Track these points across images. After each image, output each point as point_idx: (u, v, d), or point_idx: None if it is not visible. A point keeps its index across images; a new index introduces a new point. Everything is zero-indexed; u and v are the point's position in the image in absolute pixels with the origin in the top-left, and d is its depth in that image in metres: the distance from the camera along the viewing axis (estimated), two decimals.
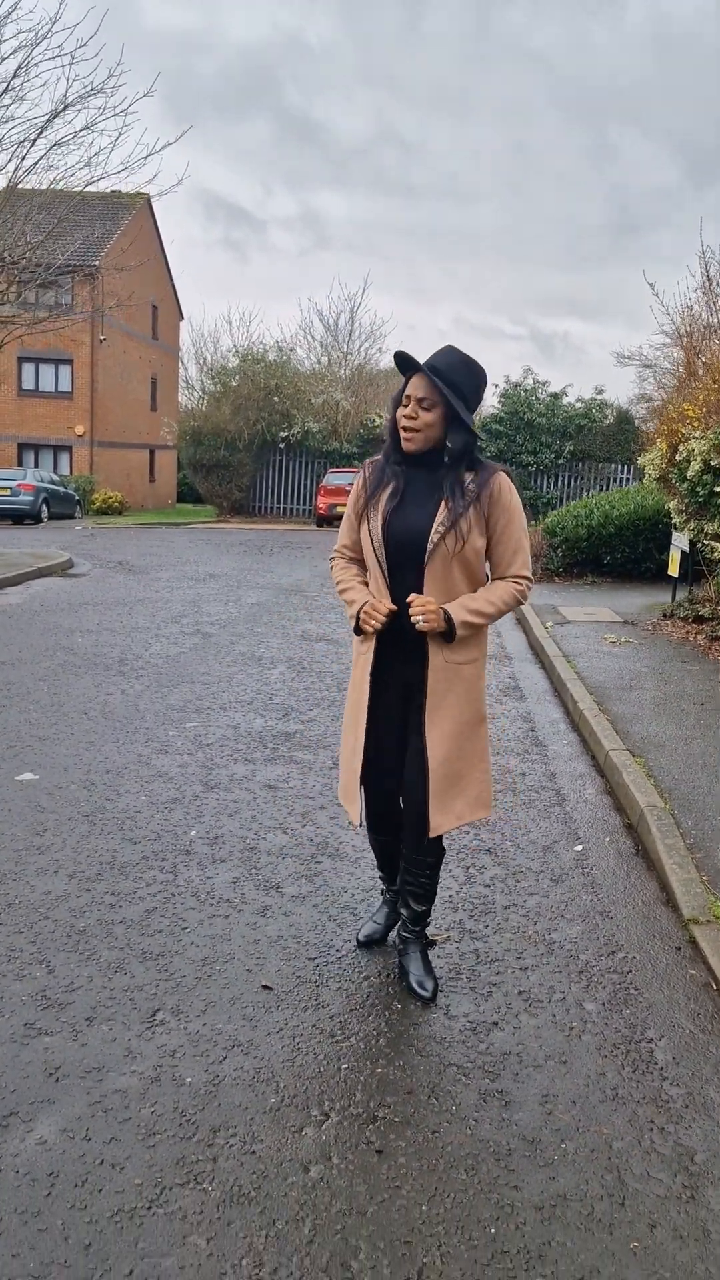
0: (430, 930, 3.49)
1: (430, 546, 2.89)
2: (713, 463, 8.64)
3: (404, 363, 2.93)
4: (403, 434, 2.92)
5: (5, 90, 13.46)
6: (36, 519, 25.88)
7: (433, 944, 3.36)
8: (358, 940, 3.41)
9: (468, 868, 4.15)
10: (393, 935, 3.47)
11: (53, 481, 27.88)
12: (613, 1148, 2.48)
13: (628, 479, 28.09)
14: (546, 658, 8.61)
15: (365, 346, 35.15)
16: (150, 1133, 2.45)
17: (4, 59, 14.26)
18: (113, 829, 4.38)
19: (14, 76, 13.09)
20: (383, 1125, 2.52)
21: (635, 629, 9.97)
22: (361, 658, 3.10)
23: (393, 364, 3.02)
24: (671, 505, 10.12)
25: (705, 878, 4.04)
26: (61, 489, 28.03)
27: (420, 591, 2.95)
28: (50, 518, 26.75)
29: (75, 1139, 2.42)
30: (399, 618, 2.95)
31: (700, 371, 9.03)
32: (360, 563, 3.15)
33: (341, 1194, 2.28)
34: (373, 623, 2.92)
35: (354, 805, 3.13)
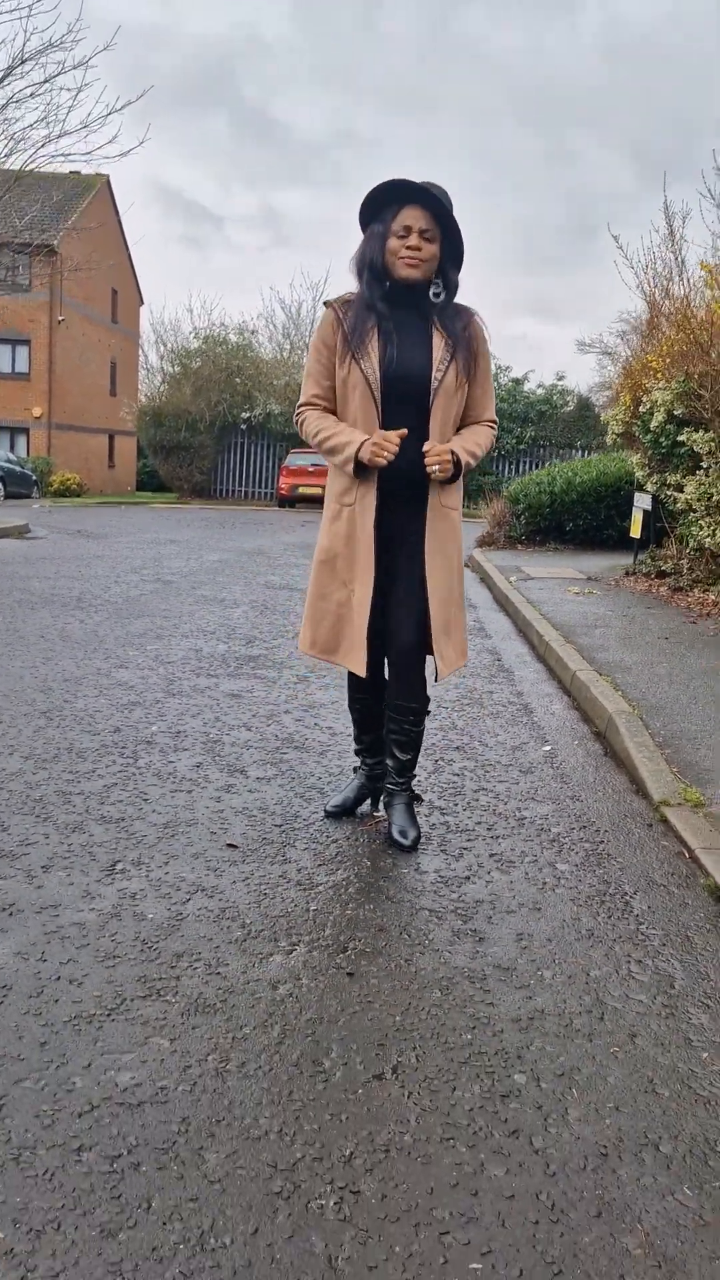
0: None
1: (435, 384, 2.83)
2: (675, 412, 8.64)
3: (398, 191, 2.80)
4: (404, 262, 2.80)
5: None
6: None
7: (419, 798, 3.31)
8: (326, 811, 3.33)
9: (436, 760, 4.06)
10: (362, 808, 3.39)
11: (9, 460, 27.43)
12: (590, 975, 2.41)
13: None
14: (511, 606, 8.56)
15: None
16: (110, 956, 2.33)
17: None
18: (70, 724, 4.25)
19: None
20: (353, 954, 2.43)
21: (599, 584, 9.96)
22: (359, 504, 2.92)
23: None
24: (635, 460, 10.13)
25: (674, 769, 3.99)
26: (18, 468, 27.58)
27: (419, 432, 2.86)
28: (6, 497, 26.29)
29: (29, 960, 2.30)
30: (394, 462, 2.83)
31: (663, 325, 9.03)
32: (334, 411, 2.99)
33: (311, 1005, 2.18)
34: (385, 455, 2.78)
35: (359, 654, 2.97)
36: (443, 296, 2.88)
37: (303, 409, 3.04)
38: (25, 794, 3.36)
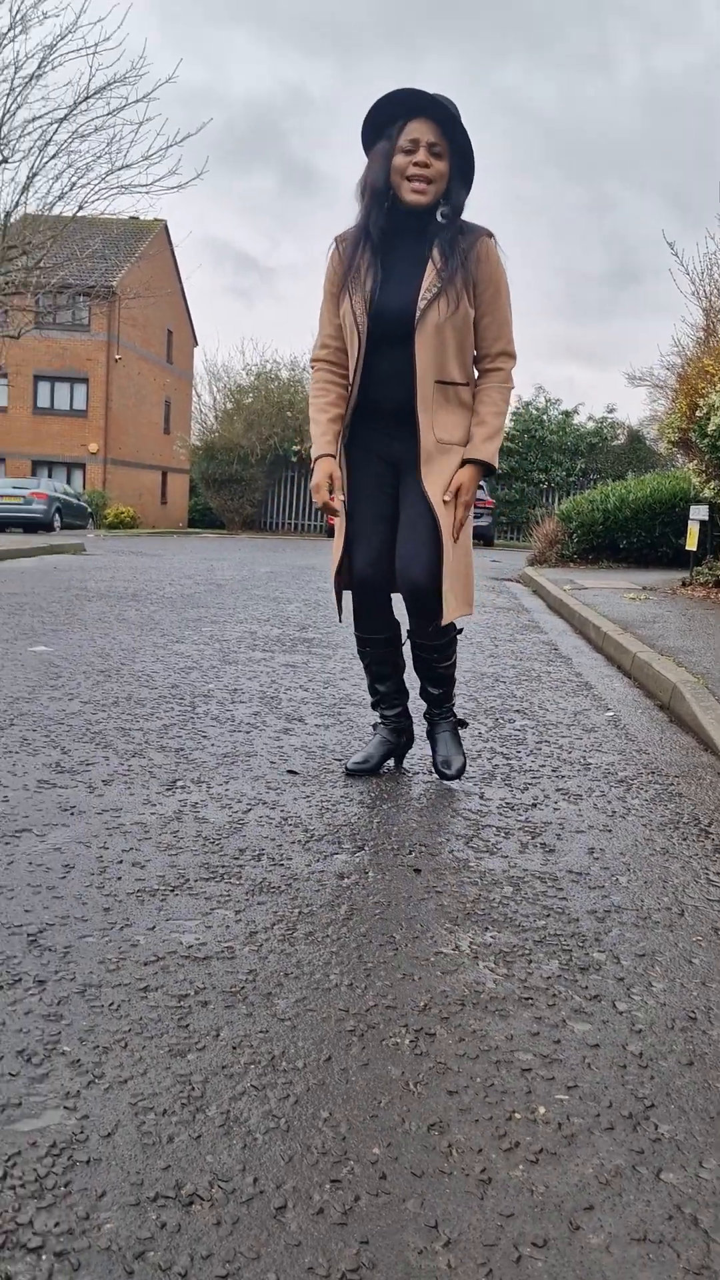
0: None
1: (418, 314, 2.60)
2: None
3: (398, 102, 2.57)
4: (410, 185, 2.58)
5: (32, 80, 13.62)
6: (49, 528, 25.87)
7: (464, 723, 3.07)
8: (346, 769, 2.99)
9: (496, 718, 3.98)
10: (388, 764, 3.13)
11: (66, 493, 27.94)
12: (667, 882, 2.31)
13: None
14: (566, 609, 8.46)
15: None
16: (171, 847, 2.29)
17: (30, 55, 14.42)
18: (128, 679, 4.23)
19: (41, 64, 13.25)
20: (419, 855, 2.35)
21: (655, 592, 9.82)
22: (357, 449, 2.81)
23: None
24: (691, 468, 10.01)
25: None
26: (75, 500, 28.08)
27: (409, 367, 2.64)
28: (63, 527, 26.76)
29: (91, 847, 2.26)
30: (377, 388, 2.70)
31: None
32: (343, 365, 2.78)
33: (378, 892, 2.11)
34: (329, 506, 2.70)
35: (338, 566, 2.82)
36: (450, 217, 2.63)
37: (314, 364, 2.85)
38: (85, 729, 3.34)
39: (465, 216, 2.71)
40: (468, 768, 3.11)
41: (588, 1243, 1.11)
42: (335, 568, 2.83)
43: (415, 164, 2.56)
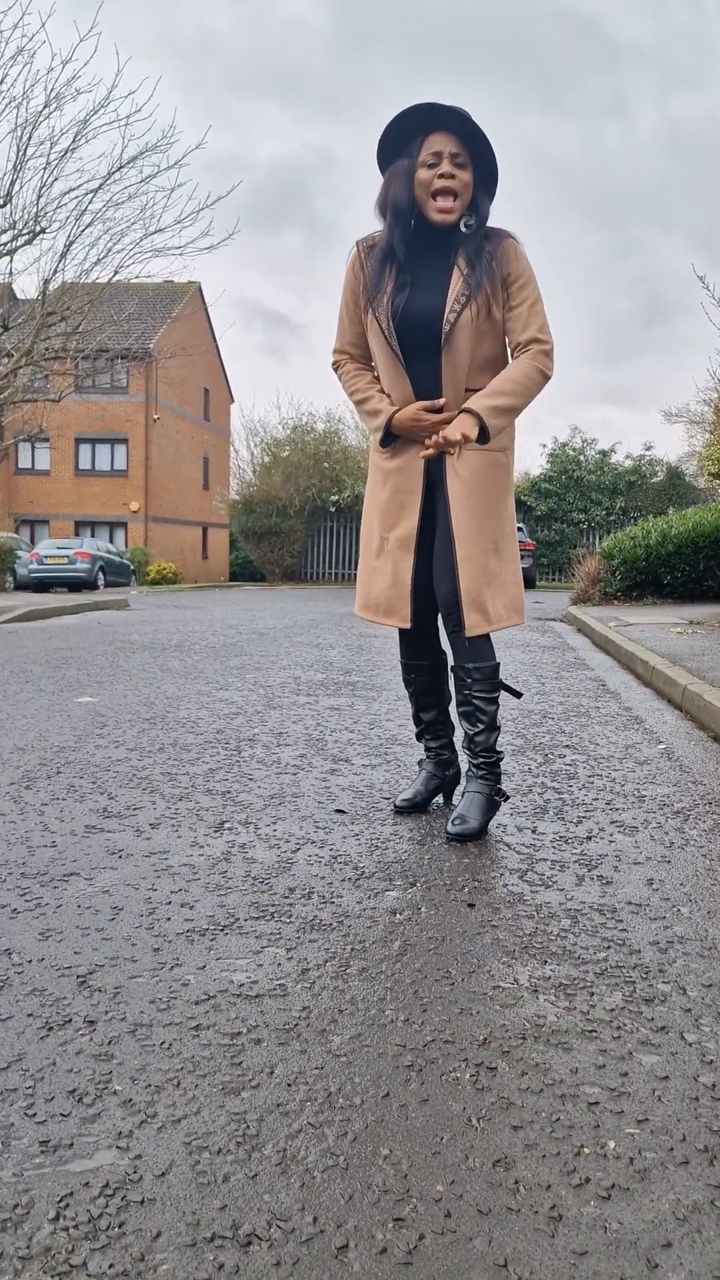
0: (510, 787, 3.25)
1: (448, 327, 2.57)
2: None
3: (417, 118, 2.54)
4: (437, 204, 2.55)
5: (67, 154, 14.08)
6: (93, 586, 26.25)
7: (502, 793, 2.80)
8: (395, 806, 2.95)
9: (545, 754, 3.92)
10: (437, 801, 3.07)
11: (109, 551, 28.36)
12: None
13: None
14: (612, 645, 8.37)
15: None
16: (220, 888, 2.26)
17: (65, 131, 14.90)
18: (174, 726, 4.24)
19: (75, 139, 13.70)
20: (471, 891, 2.30)
21: (702, 626, 9.68)
22: (407, 453, 2.74)
23: None
24: None
25: None
26: (117, 558, 28.49)
27: (439, 378, 2.63)
28: (106, 585, 27.13)
29: (139, 889, 2.23)
30: (414, 398, 2.67)
31: None
32: (367, 360, 2.82)
33: (431, 928, 2.06)
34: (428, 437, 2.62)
35: (405, 608, 2.76)
36: (474, 228, 2.59)
37: (338, 359, 2.86)
38: (131, 774, 3.33)
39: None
40: (517, 804, 3.05)
41: None
42: (388, 599, 2.81)
43: (440, 176, 2.53)
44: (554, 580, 29.23)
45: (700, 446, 25.44)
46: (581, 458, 29.74)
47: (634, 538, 13.36)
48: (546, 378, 2.66)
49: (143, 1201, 1.16)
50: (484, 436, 2.57)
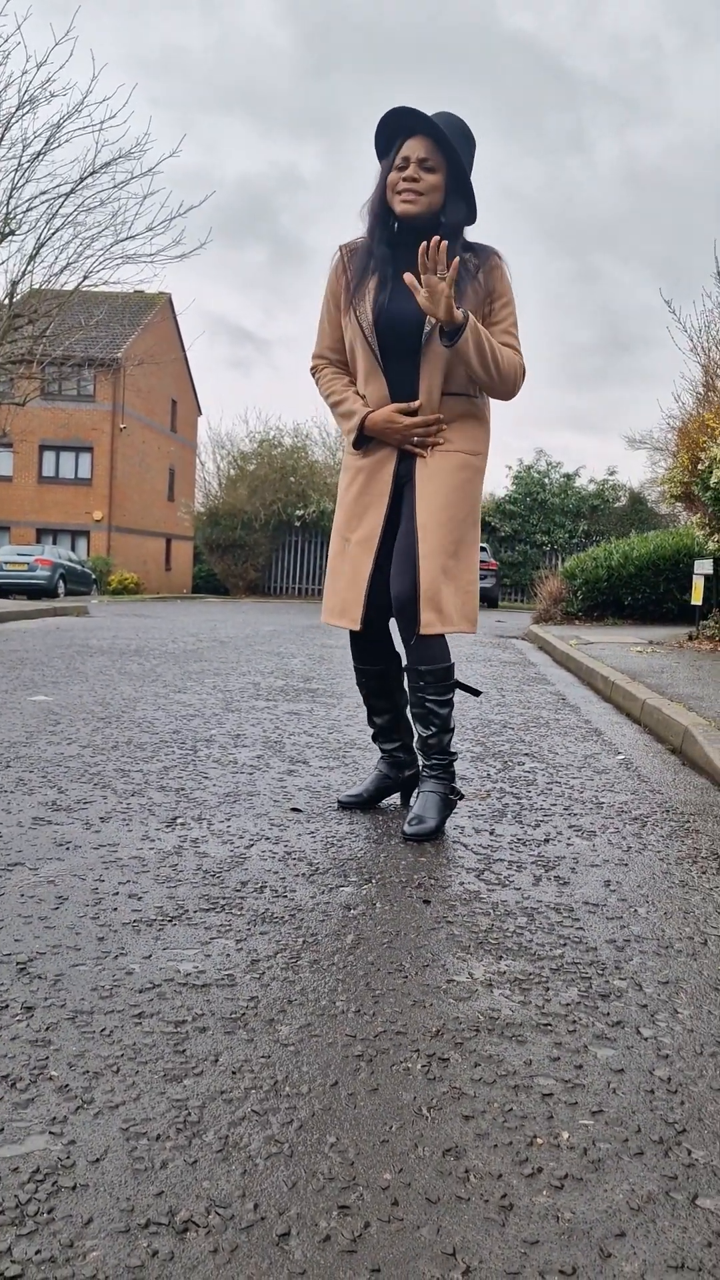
0: (468, 790, 3.22)
1: (429, 328, 2.59)
2: None
3: (398, 122, 2.59)
4: (401, 197, 2.59)
5: (39, 157, 14.00)
6: (53, 594, 25.94)
7: (457, 792, 2.79)
8: (339, 802, 2.94)
9: (505, 760, 3.89)
10: (392, 801, 3.04)
11: (70, 559, 28.08)
12: (689, 913, 2.21)
13: None
14: (573, 661, 8.39)
15: None
16: (170, 880, 2.20)
17: (38, 134, 14.81)
18: (129, 725, 4.16)
19: (48, 142, 13.62)
20: (427, 888, 2.26)
21: (661, 646, 9.75)
22: (377, 456, 2.73)
23: None
24: (695, 520, 10.03)
25: None
26: (79, 567, 28.20)
27: (417, 379, 2.64)
28: (66, 594, 26.84)
29: (87, 879, 2.17)
30: (392, 399, 2.66)
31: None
32: (345, 367, 2.82)
33: (387, 922, 2.02)
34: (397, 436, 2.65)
35: (354, 610, 2.72)
36: (450, 235, 2.63)
37: (317, 363, 2.87)
38: (83, 770, 3.26)
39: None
40: (476, 807, 3.02)
41: (621, 1270, 1.01)
42: (343, 601, 2.78)
43: (405, 179, 2.59)
44: (516, 601, 29.40)
45: (664, 470, 25.80)
46: (546, 480, 30.00)
47: (596, 558, 13.47)
48: (516, 385, 2.69)
49: (75, 1187, 1.10)
50: (455, 333, 2.53)
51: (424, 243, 2.50)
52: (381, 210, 2.65)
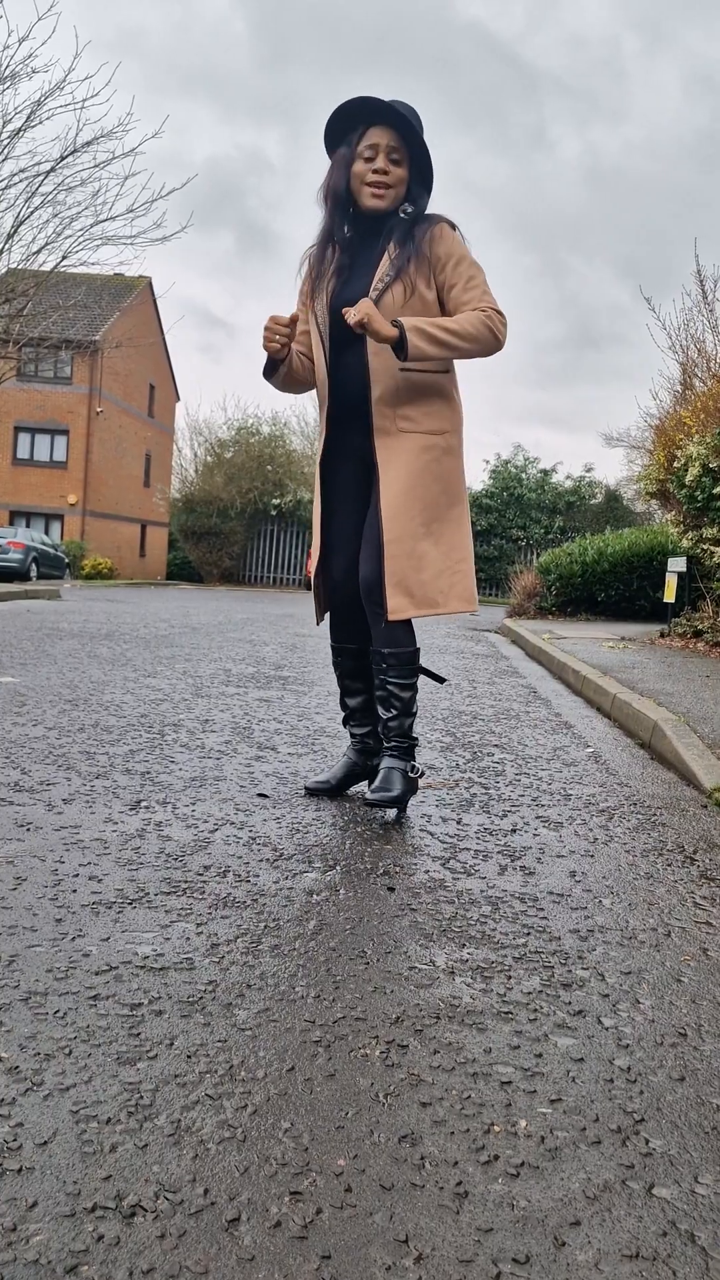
0: (436, 779, 3.21)
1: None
2: (711, 465, 8.61)
3: (364, 111, 2.55)
4: (370, 190, 2.58)
5: (19, 134, 13.81)
6: (25, 577, 25.69)
7: (417, 770, 2.76)
8: (306, 787, 2.93)
9: (474, 751, 3.89)
10: (355, 788, 3.02)
11: (44, 542, 27.82)
12: (652, 905, 2.20)
13: None
14: (545, 655, 8.41)
15: None
16: (132, 863, 2.17)
17: (18, 111, 14.61)
18: (96, 709, 4.12)
19: (29, 119, 13.44)
20: (392, 876, 2.25)
21: (634, 642, 9.79)
22: (338, 443, 2.75)
23: None
24: (669, 518, 10.07)
25: None
26: (52, 550, 27.94)
27: (366, 367, 2.60)
28: (39, 577, 26.59)
29: (47, 861, 2.13)
30: (342, 386, 2.64)
31: (697, 384, 9.07)
32: (308, 358, 2.80)
33: (349, 909, 2.00)
34: (275, 340, 2.61)
35: (319, 603, 2.85)
36: (412, 216, 2.62)
37: None
38: (47, 751, 3.21)
39: None
40: (443, 796, 3.00)
41: (575, 1259, 1.00)
42: (313, 566, 2.79)
43: (375, 171, 2.57)
44: (491, 595, 29.46)
45: (640, 469, 25.93)
46: (523, 475, 30.06)
47: (571, 554, 13.50)
48: (495, 335, 2.57)
49: (20, 1170, 1.08)
50: (402, 349, 2.47)
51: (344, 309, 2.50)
52: (343, 198, 2.63)
